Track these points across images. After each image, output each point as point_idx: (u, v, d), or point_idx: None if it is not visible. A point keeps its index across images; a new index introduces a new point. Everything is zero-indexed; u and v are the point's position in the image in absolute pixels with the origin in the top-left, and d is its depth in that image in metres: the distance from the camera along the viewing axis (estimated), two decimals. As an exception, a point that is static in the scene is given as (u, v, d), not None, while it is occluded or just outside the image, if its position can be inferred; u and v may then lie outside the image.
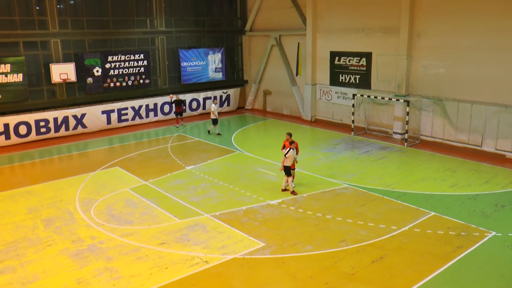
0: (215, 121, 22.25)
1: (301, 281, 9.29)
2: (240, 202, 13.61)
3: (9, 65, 20.69)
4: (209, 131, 22.78)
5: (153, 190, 14.76)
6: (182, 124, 24.74)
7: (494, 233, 11.23)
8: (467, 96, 18.76)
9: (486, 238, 10.95)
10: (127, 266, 9.95)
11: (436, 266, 9.71)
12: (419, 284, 9.04)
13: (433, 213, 12.49)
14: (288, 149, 13.86)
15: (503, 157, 17.70)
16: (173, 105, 24.82)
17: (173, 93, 25.94)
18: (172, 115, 25.86)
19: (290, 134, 14.85)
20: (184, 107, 25.84)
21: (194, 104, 27.50)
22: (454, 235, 11.15)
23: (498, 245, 10.66)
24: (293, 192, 14.07)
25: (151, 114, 25.79)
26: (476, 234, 11.19)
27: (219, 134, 22.40)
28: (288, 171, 14.01)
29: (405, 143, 19.90)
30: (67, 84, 22.91)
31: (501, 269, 9.61)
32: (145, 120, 25.64)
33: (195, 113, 27.60)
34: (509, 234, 11.15)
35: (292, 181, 14.35)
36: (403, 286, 9.02)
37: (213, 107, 22.06)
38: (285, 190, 14.34)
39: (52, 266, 10.02)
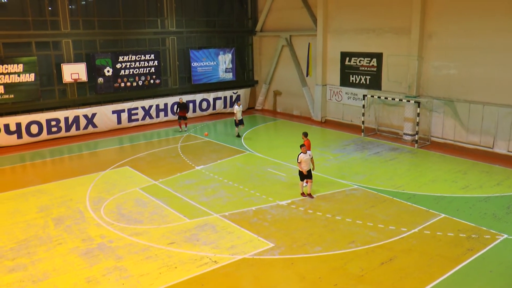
0: (237, 123, 21.94)
1: (310, 282, 9.26)
2: (250, 202, 13.61)
3: (21, 65, 20.92)
4: (238, 135, 22.17)
5: (162, 190, 14.82)
6: (185, 129, 23.88)
7: (505, 236, 11.10)
8: (478, 97, 18.58)
9: (497, 241, 10.84)
10: (137, 265, 10.01)
11: (446, 269, 9.63)
12: (428, 287, 8.97)
13: (443, 215, 12.38)
14: (299, 154, 13.61)
15: (515, 159, 17.52)
16: (177, 108, 23.88)
17: (183, 93, 25.94)
18: None
19: (304, 134, 14.65)
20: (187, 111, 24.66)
21: (204, 105, 27.56)
22: (464, 238, 11.05)
23: (509, 248, 10.54)
24: (303, 194, 14.00)
25: (161, 114, 25.90)
26: (487, 236, 11.08)
27: (238, 135, 22.09)
28: (305, 175, 13.62)
29: (416, 145, 19.76)
30: (78, 84, 23.09)
31: (513, 273, 9.51)
32: (155, 120, 25.75)
33: (205, 113, 27.66)
34: (521, 237, 11.05)
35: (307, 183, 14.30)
36: (412, 288, 8.97)
37: (236, 109, 21.79)
38: (308, 195, 13.92)
39: (62, 264, 10.11)
